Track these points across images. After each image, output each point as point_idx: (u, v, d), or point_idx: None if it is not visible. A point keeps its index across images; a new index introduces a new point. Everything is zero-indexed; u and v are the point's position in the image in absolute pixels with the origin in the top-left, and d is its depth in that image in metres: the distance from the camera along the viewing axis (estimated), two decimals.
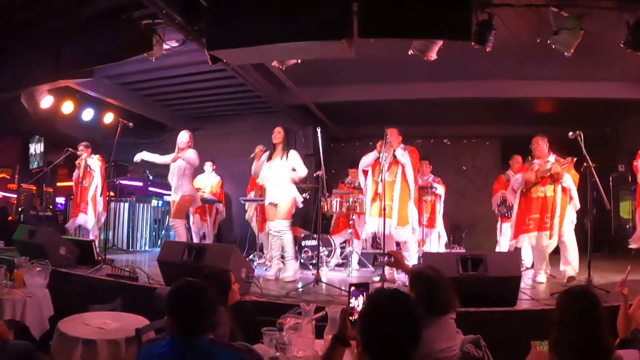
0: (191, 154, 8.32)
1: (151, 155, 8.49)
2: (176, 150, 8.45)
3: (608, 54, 7.26)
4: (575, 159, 6.85)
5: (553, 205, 7.01)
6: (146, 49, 6.65)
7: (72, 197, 10.16)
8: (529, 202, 7.21)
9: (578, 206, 7.06)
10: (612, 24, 5.71)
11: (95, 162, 9.55)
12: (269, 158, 7.60)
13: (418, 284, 3.32)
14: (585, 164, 6.45)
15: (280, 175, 7.43)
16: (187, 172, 8.39)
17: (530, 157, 7.71)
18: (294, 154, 7.47)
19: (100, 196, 9.46)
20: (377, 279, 6.90)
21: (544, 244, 7.02)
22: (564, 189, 7.02)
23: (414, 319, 2.25)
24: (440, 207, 9.42)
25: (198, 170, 10.74)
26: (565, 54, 5.80)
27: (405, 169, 7.54)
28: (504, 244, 8.99)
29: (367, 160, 7.74)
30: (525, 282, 6.84)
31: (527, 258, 8.58)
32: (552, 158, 7.19)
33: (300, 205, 7.84)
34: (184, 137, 8.49)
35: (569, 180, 6.97)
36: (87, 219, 9.45)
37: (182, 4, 6.09)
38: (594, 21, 5.64)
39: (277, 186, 7.43)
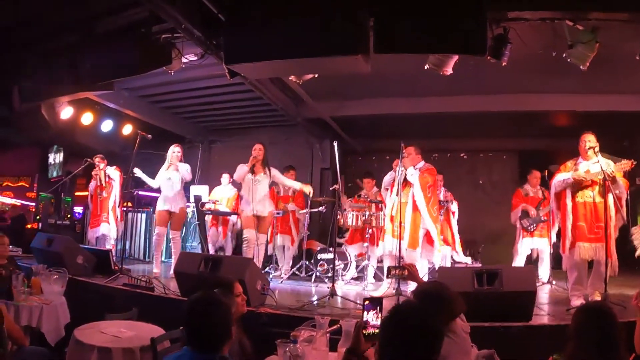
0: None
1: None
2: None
3: (624, 66, 7.19)
4: (634, 162, 6.23)
5: (607, 214, 6.12)
6: (165, 63, 6.72)
7: (89, 207, 10.26)
8: (575, 207, 6.46)
9: (624, 219, 6.38)
10: (628, 37, 5.71)
11: (114, 172, 9.68)
12: (253, 172, 7.99)
13: (420, 301, 3.28)
14: (603, 177, 6.25)
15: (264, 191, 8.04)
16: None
17: (546, 172, 7.58)
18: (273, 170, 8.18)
19: (119, 207, 9.58)
20: (381, 288, 6.88)
21: (600, 258, 6.19)
22: (617, 197, 6.22)
23: (434, 332, 2.28)
24: (454, 225, 9.28)
25: (215, 182, 10.83)
26: (581, 67, 5.79)
27: (414, 190, 7.34)
28: (519, 260, 8.91)
29: (386, 180, 7.73)
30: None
31: (543, 273, 8.53)
32: (601, 160, 6.24)
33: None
34: None
35: (622, 187, 6.28)
36: (110, 228, 9.57)
37: (201, 18, 6.15)
38: (609, 34, 5.63)
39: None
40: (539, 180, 9.12)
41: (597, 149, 6.28)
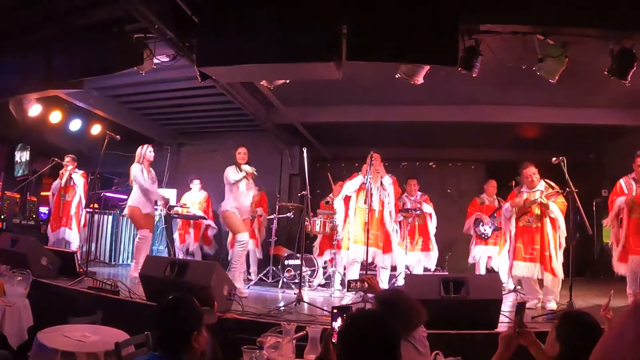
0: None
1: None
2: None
3: (592, 81, 7.33)
4: (562, 192, 6.83)
5: (542, 237, 6.87)
6: (136, 63, 6.66)
7: (50, 206, 10.12)
8: (517, 230, 7.14)
9: (565, 234, 6.88)
10: (597, 52, 5.80)
11: (79, 178, 9.55)
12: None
13: (379, 308, 3.28)
14: (568, 189, 6.56)
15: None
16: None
17: (513, 182, 7.78)
18: None
19: (84, 208, 9.45)
20: (348, 297, 6.94)
21: (534, 275, 6.85)
22: (552, 221, 6.90)
23: (391, 339, 2.27)
24: (432, 228, 9.31)
25: (183, 185, 10.76)
26: (550, 81, 5.90)
27: (390, 197, 7.71)
28: (482, 267, 9.05)
29: (352, 185, 7.77)
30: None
31: (506, 281, 8.64)
32: (541, 186, 7.10)
33: None
34: None
35: (556, 210, 6.88)
36: (71, 234, 9.44)
37: (175, 19, 6.09)
38: (578, 49, 5.73)
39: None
40: (495, 189, 9.44)
41: (535, 176, 7.15)
